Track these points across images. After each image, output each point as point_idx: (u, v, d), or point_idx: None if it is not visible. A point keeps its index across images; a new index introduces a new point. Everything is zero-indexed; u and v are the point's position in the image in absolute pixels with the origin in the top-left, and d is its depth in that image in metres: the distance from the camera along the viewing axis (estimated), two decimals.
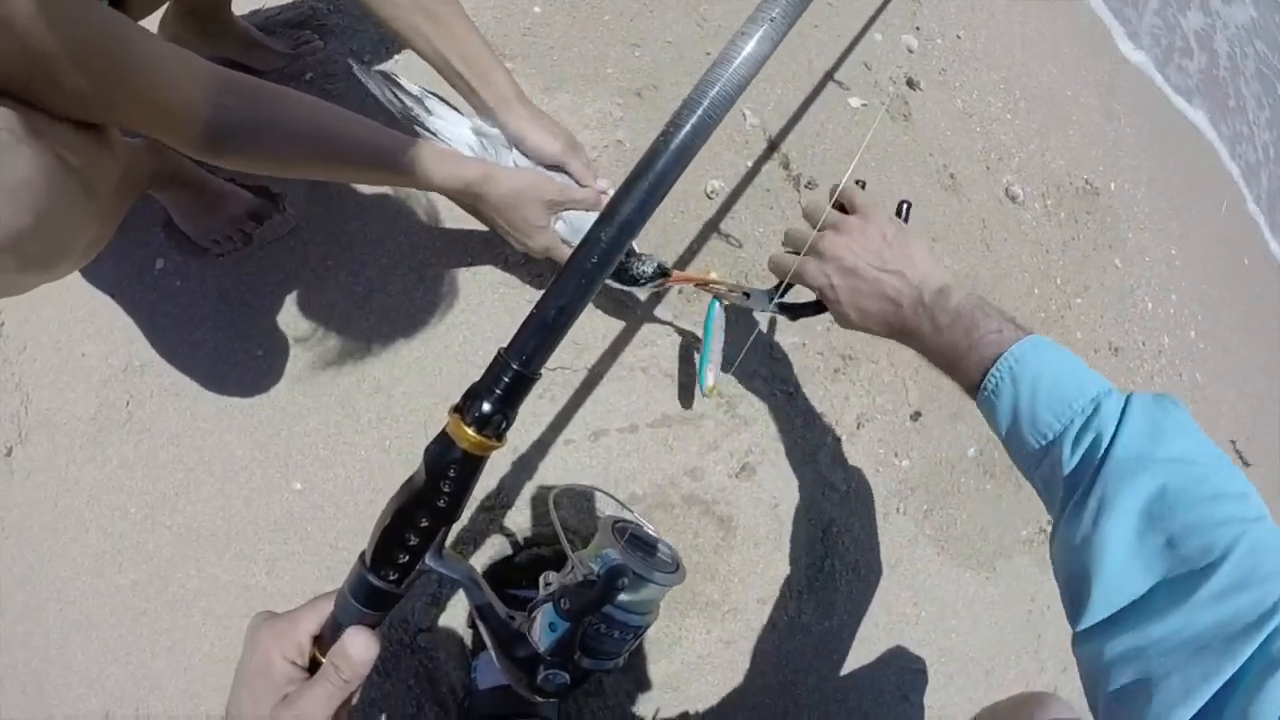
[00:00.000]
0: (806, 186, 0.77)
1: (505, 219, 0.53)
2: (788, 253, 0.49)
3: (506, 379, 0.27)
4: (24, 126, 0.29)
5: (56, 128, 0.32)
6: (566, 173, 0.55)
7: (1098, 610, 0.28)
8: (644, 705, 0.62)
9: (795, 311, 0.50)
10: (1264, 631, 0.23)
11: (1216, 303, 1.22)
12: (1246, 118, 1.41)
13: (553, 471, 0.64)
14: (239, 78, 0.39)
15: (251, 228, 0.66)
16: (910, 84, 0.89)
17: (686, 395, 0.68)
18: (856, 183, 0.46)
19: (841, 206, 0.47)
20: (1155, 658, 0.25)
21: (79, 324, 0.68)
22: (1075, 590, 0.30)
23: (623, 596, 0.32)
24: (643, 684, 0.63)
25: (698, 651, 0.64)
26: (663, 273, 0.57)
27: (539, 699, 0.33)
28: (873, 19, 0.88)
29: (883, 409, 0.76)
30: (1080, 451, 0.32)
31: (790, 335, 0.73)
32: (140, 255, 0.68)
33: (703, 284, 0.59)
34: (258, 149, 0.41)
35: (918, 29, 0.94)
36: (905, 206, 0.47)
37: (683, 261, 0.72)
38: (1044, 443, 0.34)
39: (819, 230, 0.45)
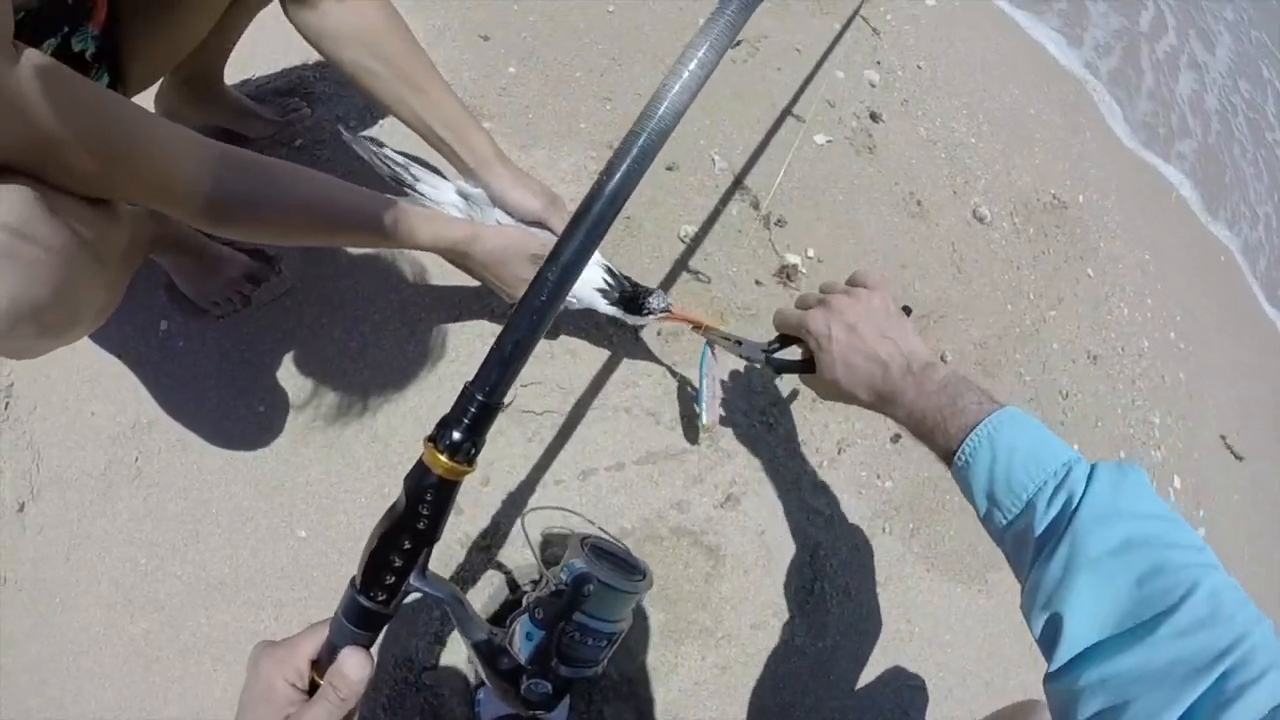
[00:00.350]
0: (776, 224, 0.81)
1: (493, 274, 0.56)
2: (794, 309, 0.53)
3: (473, 409, 0.29)
4: (41, 204, 0.32)
5: (69, 203, 0.34)
6: (548, 228, 0.59)
7: (1070, 647, 0.30)
8: None
9: (784, 366, 0.54)
10: (1221, 667, 0.26)
11: (1194, 302, 1.25)
12: (1244, 191, 1.44)
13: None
14: (234, 152, 0.42)
15: (249, 289, 0.69)
16: (873, 117, 0.92)
17: (691, 429, 0.71)
18: (904, 309, 0.51)
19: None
20: (1121, 687, 0.27)
21: (87, 384, 0.71)
22: (1048, 631, 0.32)
23: (591, 603, 0.34)
24: (641, 713, 0.64)
25: (694, 679, 0.66)
26: (666, 309, 0.61)
27: (527, 711, 0.35)
28: (827, 53, 0.92)
29: (862, 434, 0.78)
30: (1054, 511, 0.34)
31: (767, 370, 0.75)
32: (144, 318, 0.71)
33: (699, 327, 0.62)
34: (254, 220, 0.43)
35: (879, 63, 0.98)
36: (907, 310, 0.51)
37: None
38: (1018, 506, 0.36)
39: (829, 293, 0.50)
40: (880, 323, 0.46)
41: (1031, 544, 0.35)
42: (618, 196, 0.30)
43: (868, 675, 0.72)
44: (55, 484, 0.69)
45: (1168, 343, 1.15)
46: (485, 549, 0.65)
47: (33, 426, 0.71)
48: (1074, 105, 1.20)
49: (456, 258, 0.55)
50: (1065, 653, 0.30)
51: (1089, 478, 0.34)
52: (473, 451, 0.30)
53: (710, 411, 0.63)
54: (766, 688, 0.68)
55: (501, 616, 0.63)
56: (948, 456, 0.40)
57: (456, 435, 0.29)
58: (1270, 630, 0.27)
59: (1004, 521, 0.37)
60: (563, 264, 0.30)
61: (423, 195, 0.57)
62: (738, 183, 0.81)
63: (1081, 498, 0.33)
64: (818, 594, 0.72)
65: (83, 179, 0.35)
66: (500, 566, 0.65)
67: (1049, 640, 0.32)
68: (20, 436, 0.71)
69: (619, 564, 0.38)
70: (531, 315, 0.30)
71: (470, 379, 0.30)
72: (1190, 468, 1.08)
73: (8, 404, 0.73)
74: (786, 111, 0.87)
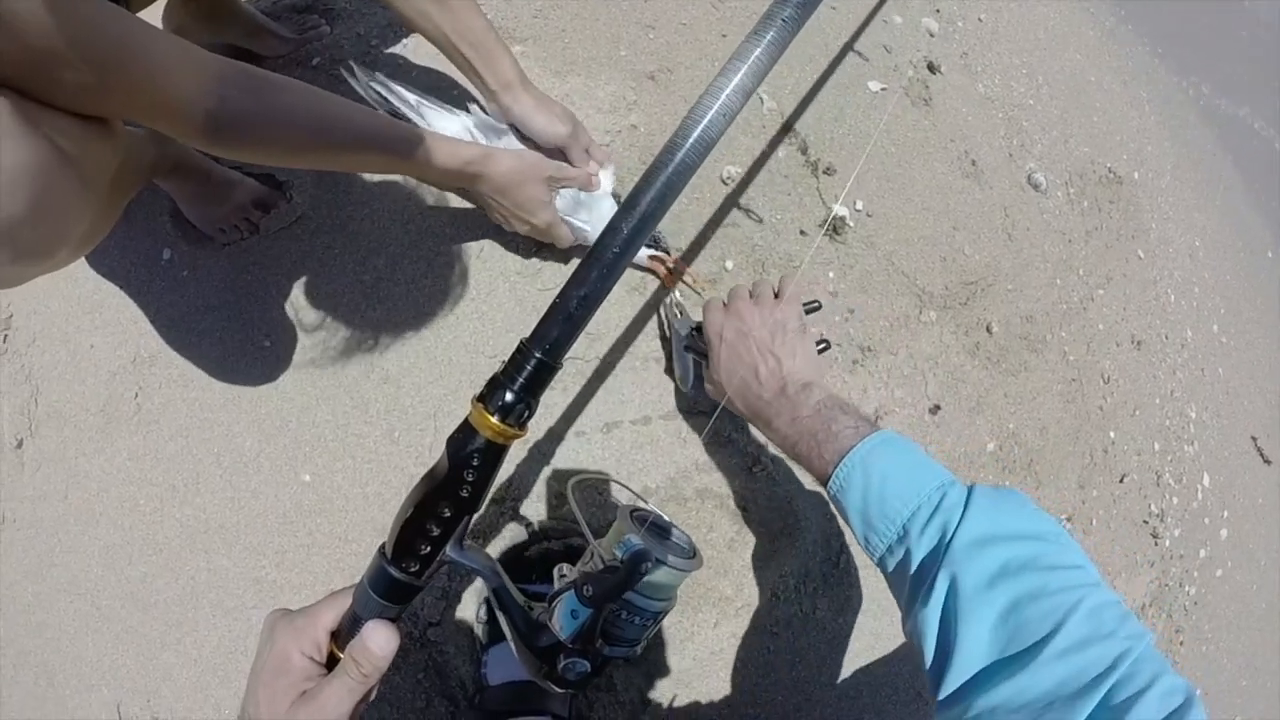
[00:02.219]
0: (825, 173, 0.75)
1: (510, 198, 0.53)
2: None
3: (529, 368, 0.27)
4: (17, 114, 0.29)
5: (52, 116, 0.31)
6: (566, 157, 0.56)
7: (955, 678, 0.30)
8: (655, 701, 0.61)
9: (696, 350, 0.54)
10: (1106, 685, 0.26)
11: (1240, 296, 1.20)
12: None
13: (565, 463, 0.63)
14: (238, 67, 0.39)
15: (258, 217, 0.65)
16: (931, 68, 0.86)
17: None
18: (812, 304, 0.50)
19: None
20: (1008, 714, 0.28)
21: (87, 315, 0.67)
22: (932, 662, 0.33)
23: (644, 581, 0.32)
24: (654, 679, 0.62)
25: (710, 647, 0.63)
26: (668, 249, 0.60)
27: (559, 690, 0.33)
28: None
29: (901, 402, 0.74)
30: (929, 539, 0.34)
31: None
32: (147, 246, 0.67)
33: (665, 276, 0.61)
34: (259, 138, 0.40)
35: (938, 11, 0.91)
36: (816, 307, 0.51)
37: (697, 249, 0.70)
38: (894, 531, 0.36)
39: (745, 291, 0.50)
40: (771, 336, 0.45)
41: (910, 574, 0.35)
42: (704, 144, 0.27)
43: (886, 653, 0.70)
44: (54, 419, 0.66)
45: (1210, 335, 1.10)
46: (498, 501, 0.62)
47: (31, 360, 0.68)
48: (1134, 76, 1.13)
49: (468, 181, 0.51)
50: (950, 684, 0.31)
51: (966, 502, 0.34)
52: (526, 414, 0.28)
53: (684, 377, 0.59)
54: (783, 660, 0.65)
55: (509, 572, 0.60)
56: (822, 480, 0.40)
57: (509, 396, 0.27)
58: (1151, 642, 0.28)
59: (881, 547, 0.37)
60: (640, 214, 0.27)
61: (430, 126, 0.54)
62: (791, 131, 0.76)
63: (957, 525, 0.33)
64: (842, 567, 0.69)
65: (74, 94, 0.32)
66: (516, 520, 0.61)
67: (934, 671, 0.32)
68: (19, 370, 0.68)
69: (669, 540, 0.35)
70: (602, 269, 0.27)
71: (515, 337, 0.28)
72: (1220, 466, 1.05)
73: (6, 336, 0.69)
74: (848, 47, 0.81)
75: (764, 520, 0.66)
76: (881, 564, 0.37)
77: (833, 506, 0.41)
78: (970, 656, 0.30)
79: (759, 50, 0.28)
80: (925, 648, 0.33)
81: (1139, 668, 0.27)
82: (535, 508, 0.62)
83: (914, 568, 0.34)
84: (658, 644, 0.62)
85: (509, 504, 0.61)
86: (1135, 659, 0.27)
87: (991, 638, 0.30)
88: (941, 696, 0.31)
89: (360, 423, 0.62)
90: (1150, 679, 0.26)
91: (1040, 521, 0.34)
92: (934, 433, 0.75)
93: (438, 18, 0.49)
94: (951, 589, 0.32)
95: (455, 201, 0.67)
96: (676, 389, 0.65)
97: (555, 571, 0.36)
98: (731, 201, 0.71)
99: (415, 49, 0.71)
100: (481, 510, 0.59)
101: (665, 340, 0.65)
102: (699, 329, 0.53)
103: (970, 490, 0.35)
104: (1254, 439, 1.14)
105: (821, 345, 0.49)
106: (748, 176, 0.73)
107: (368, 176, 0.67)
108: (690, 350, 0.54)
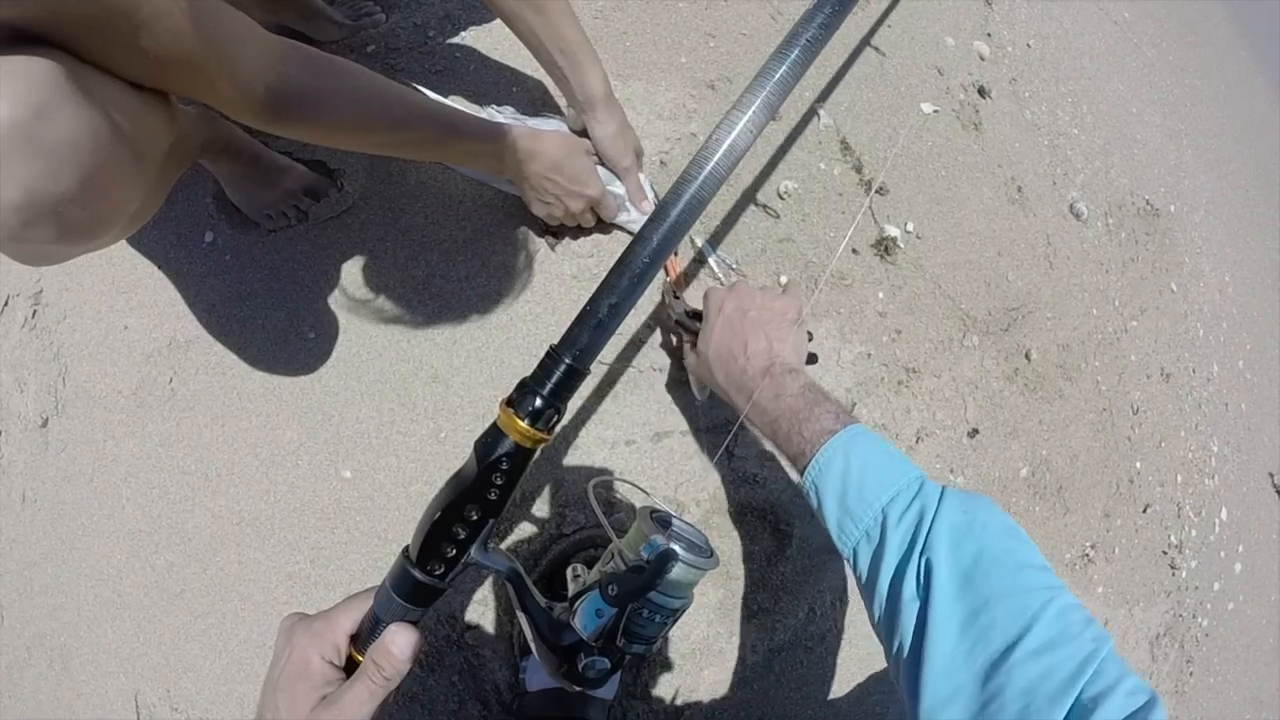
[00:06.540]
0: (879, 192, 0.75)
1: (564, 172, 0.53)
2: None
3: (559, 373, 0.28)
4: (72, 82, 0.27)
5: (109, 86, 0.30)
6: (621, 181, 0.59)
7: (931, 675, 0.30)
8: (690, 711, 0.61)
9: (683, 325, 0.54)
10: (1079, 684, 0.27)
11: (1266, 332, 1.20)
12: None
13: (615, 471, 0.62)
14: (299, 47, 0.38)
15: (307, 204, 0.64)
16: (981, 92, 0.86)
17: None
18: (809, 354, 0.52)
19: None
20: (988, 713, 0.28)
21: (122, 295, 0.66)
22: (908, 653, 0.32)
23: (667, 580, 0.33)
24: (690, 690, 0.61)
25: (746, 660, 0.63)
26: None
27: (577, 687, 0.34)
28: None
29: (942, 424, 0.74)
30: (908, 524, 0.34)
31: (856, 345, 0.71)
32: (189, 227, 0.66)
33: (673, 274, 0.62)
34: (317, 117, 0.39)
35: (989, 35, 0.91)
36: (813, 358, 0.52)
37: (753, 259, 0.70)
38: (870, 514, 0.36)
39: (750, 282, 0.52)
40: (770, 320, 0.46)
41: (885, 560, 0.35)
42: (733, 152, 0.28)
43: None
44: (82, 400, 0.65)
45: (1236, 371, 1.11)
46: (538, 503, 0.61)
47: (61, 337, 0.67)
48: (1174, 109, 1.13)
49: (521, 158, 0.51)
50: (928, 681, 0.30)
51: (941, 495, 0.35)
52: (555, 419, 0.28)
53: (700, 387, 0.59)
54: (816, 675, 0.65)
55: (549, 578, 0.59)
56: (798, 460, 0.40)
57: (538, 401, 0.27)
58: (1113, 646, 0.29)
59: (856, 533, 0.37)
60: (670, 223, 0.28)
61: None
62: (847, 149, 0.75)
63: (935, 514, 0.34)
64: None
65: (140, 61, 0.30)
66: (560, 530, 0.60)
67: (913, 663, 0.32)
68: (47, 347, 0.67)
69: (688, 540, 0.36)
70: (631, 276, 0.28)
71: (555, 341, 0.28)
72: (1238, 501, 1.05)
73: (35, 312, 0.68)
74: (865, 42, 0.81)
75: (804, 536, 0.66)
76: (855, 554, 0.37)
77: (806, 491, 0.39)
78: (941, 649, 0.30)
79: (783, 68, 0.29)
80: (897, 636, 0.32)
81: (1105, 668, 0.28)
82: (586, 516, 0.61)
83: (889, 554, 0.34)
84: (695, 654, 0.61)
85: (554, 509, 0.61)
86: (1102, 659, 0.28)
87: (961, 633, 0.30)
88: (916, 693, 0.31)
89: (406, 421, 0.61)
90: (1116, 678, 0.27)
91: (1007, 520, 0.35)
92: (970, 455, 0.75)
93: (532, 21, 0.49)
94: (928, 575, 0.32)
95: (513, 205, 0.66)
96: (691, 398, 0.64)
97: (569, 571, 0.36)
98: (786, 217, 0.71)
99: (475, 41, 0.70)
100: (512, 515, 0.59)
101: (672, 353, 0.64)
102: (695, 314, 0.53)
103: (943, 487, 0.36)
104: (1271, 475, 1.15)
105: (810, 357, 0.50)
106: (803, 192, 0.72)
107: (422, 168, 0.66)
108: (680, 326, 0.54)
